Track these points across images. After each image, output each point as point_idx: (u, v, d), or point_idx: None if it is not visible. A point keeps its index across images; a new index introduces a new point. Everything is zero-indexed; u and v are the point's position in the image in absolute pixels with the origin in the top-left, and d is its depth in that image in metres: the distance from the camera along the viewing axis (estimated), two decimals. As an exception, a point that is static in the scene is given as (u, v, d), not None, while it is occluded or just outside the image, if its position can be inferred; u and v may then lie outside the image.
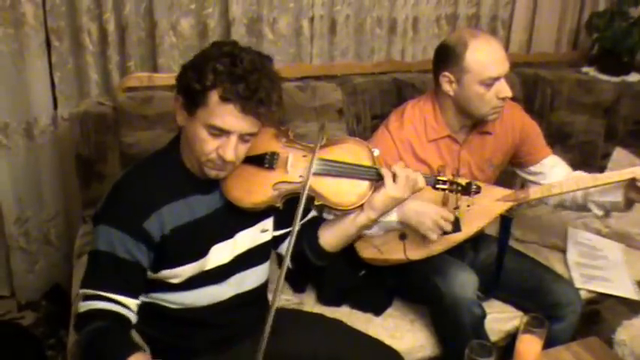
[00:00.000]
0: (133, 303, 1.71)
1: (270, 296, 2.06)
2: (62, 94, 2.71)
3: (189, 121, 1.64)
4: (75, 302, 2.09)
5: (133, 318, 1.72)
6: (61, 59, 2.65)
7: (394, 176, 1.79)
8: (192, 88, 1.58)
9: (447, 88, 2.19)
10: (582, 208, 2.37)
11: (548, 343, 1.94)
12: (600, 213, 2.33)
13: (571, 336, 2.24)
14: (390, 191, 1.79)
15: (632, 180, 2.13)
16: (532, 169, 2.43)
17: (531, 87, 3.10)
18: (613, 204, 2.26)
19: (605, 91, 3.15)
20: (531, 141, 2.41)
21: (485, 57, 2.12)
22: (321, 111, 2.64)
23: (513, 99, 2.29)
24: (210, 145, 1.62)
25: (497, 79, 2.13)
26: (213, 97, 1.57)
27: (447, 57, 2.18)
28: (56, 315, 2.92)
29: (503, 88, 2.15)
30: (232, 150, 1.62)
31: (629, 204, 2.23)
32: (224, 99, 1.56)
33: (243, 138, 1.63)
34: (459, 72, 2.15)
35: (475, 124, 2.30)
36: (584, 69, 3.37)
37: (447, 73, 2.18)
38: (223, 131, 1.60)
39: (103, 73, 2.71)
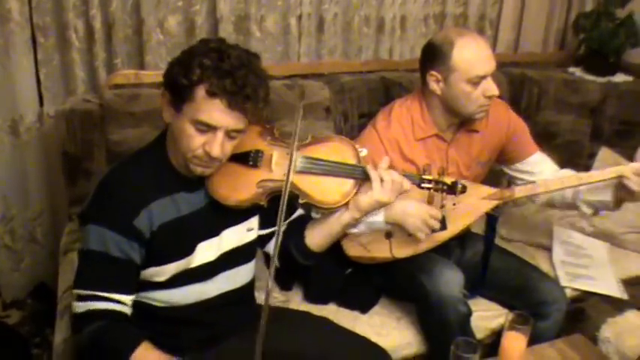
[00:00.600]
0: (128, 299, 1.72)
1: (257, 294, 2.07)
2: (48, 91, 2.69)
3: (176, 118, 1.64)
4: (61, 300, 2.09)
5: (130, 312, 1.73)
6: (46, 56, 2.63)
7: (381, 180, 1.80)
8: (178, 84, 1.59)
9: (434, 86, 2.20)
10: (571, 206, 2.39)
11: (534, 341, 1.95)
12: (589, 212, 2.34)
13: (556, 333, 2.25)
14: (376, 195, 1.80)
15: (620, 179, 2.15)
16: (519, 166, 2.44)
17: (518, 86, 3.11)
18: (603, 203, 2.27)
19: (592, 92, 3.17)
20: (518, 138, 2.42)
21: (472, 55, 2.13)
22: (309, 109, 2.64)
23: (500, 98, 2.30)
24: (196, 141, 1.62)
25: (484, 77, 2.14)
26: (200, 92, 1.57)
27: (433, 56, 2.18)
28: (42, 313, 2.90)
29: (490, 87, 2.16)
30: (218, 146, 1.62)
31: (618, 203, 2.24)
32: (211, 94, 1.57)
33: (229, 134, 1.63)
34: (446, 71, 2.16)
35: (462, 122, 2.31)
36: (571, 69, 3.38)
37: (434, 72, 2.19)
38: (210, 127, 1.60)
39: (90, 70, 2.70)
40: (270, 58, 2.95)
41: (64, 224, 2.59)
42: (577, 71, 3.35)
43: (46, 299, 2.90)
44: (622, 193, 2.19)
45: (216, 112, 1.58)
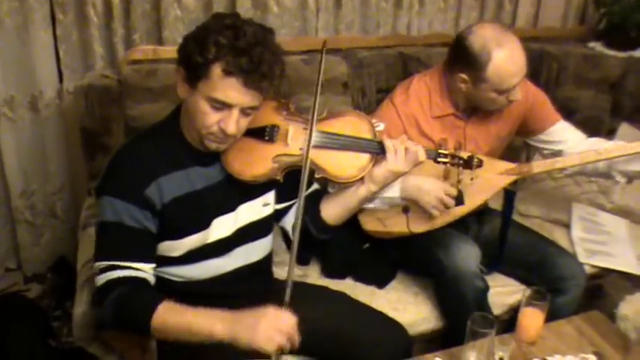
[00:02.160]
0: (148, 267, 1.73)
1: (275, 269, 2.08)
2: (67, 67, 2.70)
3: (191, 94, 1.64)
4: (80, 274, 2.11)
5: (152, 279, 1.74)
6: (65, 32, 2.64)
7: (395, 150, 1.79)
8: (194, 61, 1.58)
9: (461, 85, 2.18)
10: (605, 175, 2.37)
11: (551, 317, 1.95)
12: (623, 180, 2.33)
13: (574, 310, 2.24)
14: (391, 165, 1.80)
15: None
16: (542, 137, 2.41)
17: (537, 62, 3.07)
18: (637, 173, 2.26)
19: (612, 67, 3.12)
20: (539, 108, 2.39)
21: (507, 71, 2.09)
22: (326, 84, 2.62)
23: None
24: (211, 118, 1.62)
25: (513, 87, 2.13)
26: (216, 70, 1.56)
27: (467, 61, 2.12)
28: (62, 287, 2.93)
29: (515, 93, 2.15)
30: (234, 124, 1.62)
31: None
32: (227, 72, 1.56)
33: (244, 111, 1.63)
34: (477, 78, 2.12)
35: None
36: (591, 44, 3.33)
37: (464, 75, 2.15)
38: (225, 105, 1.60)
39: (108, 46, 2.70)
40: (288, 33, 2.93)
41: (83, 199, 2.61)
42: (597, 46, 3.30)
43: (65, 273, 2.93)
44: None
45: (232, 90, 1.57)
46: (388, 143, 1.80)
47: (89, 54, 2.68)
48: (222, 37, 1.56)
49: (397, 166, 1.80)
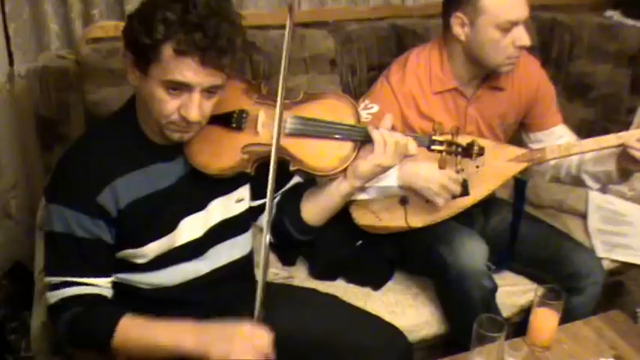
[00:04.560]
0: (104, 282, 1.71)
1: (256, 270, 2.06)
2: (18, 48, 2.66)
3: (143, 81, 1.59)
4: (38, 280, 2.10)
5: (109, 294, 1.73)
6: (16, 9, 2.59)
7: (385, 143, 1.76)
8: (141, 43, 1.53)
9: (459, 31, 2.17)
10: (577, 180, 2.38)
11: (567, 318, 1.97)
12: (595, 186, 2.35)
13: (592, 310, 2.25)
14: (378, 159, 1.77)
15: (623, 147, 2.12)
16: (539, 135, 2.43)
17: (548, 33, 3.08)
18: (606, 174, 2.26)
19: (631, 37, 3.12)
20: (545, 103, 2.40)
21: None
22: (311, 62, 2.62)
23: (529, 48, 2.27)
24: (170, 106, 1.58)
25: (515, 23, 2.11)
26: (167, 51, 1.52)
27: None
28: (18, 295, 2.90)
29: (522, 36, 2.13)
30: (196, 108, 1.57)
31: (623, 174, 2.22)
32: (179, 52, 1.51)
33: (207, 93, 1.59)
34: (474, 13, 2.12)
35: (486, 77, 2.29)
36: (608, 12, 3.33)
37: (459, 14, 2.15)
38: (183, 87, 1.55)
39: (64, 23, 2.66)
40: (267, 5, 2.91)
41: (39, 196, 2.58)
42: (615, 15, 3.30)
43: (22, 280, 2.90)
44: (624, 163, 2.16)
45: (187, 71, 1.53)
46: (377, 136, 1.76)
47: (43, 32, 2.65)
48: (170, 13, 1.51)
49: (386, 160, 1.77)
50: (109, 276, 1.73)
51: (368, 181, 1.85)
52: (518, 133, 2.50)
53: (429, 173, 2.07)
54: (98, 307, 1.68)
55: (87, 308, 1.65)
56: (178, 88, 1.55)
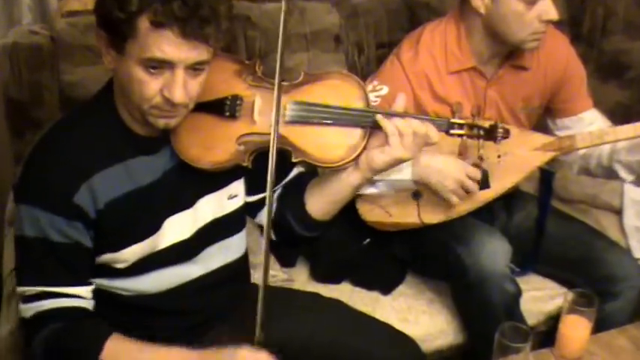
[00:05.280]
0: (84, 290, 1.69)
1: (252, 271, 2.07)
2: (-14, 22, 2.68)
3: (120, 61, 1.56)
4: (6, 283, 2.10)
5: (91, 305, 1.71)
6: (-17, -21, 2.61)
7: (402, 134, 1.73)
8: (115, 18, 1.51)
9: (478, 3, 2.16)
10: (609, 172, 2.38)
11: (600, 327, 1.95)
12: (630, 178, 2.34)
13: (628, 317, 2.25)
14: (395, 152, 1.73)
15: None
16: (567, 121, 2.43)
17: (578, 6, 3.06)
18: None
19: (673, 11, 3.12)
20: (574, 85, 2.40)
21: None
22: (313, 39, 2.63)
23: (557, 23, 2.25)
24: (151, 87, 1.55)
25: None
26: (143, 24, 1.49)
27: None
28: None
29: (548, 9, 2.12)
30: (180, 88, 1.55)
31: None
32: (157, 24, 1.48)
33: (192, 70, 1.57)
34: None
35: (508, 55, 2.28)
36: (646, -17, 3.33)
37: None
38: (165, 64, 1.53)
39: (37, -5, 2.68)
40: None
41: (8, 188, 2.57)
42: (654, -15, 3.29)
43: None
44: None
45: (167, 45, 1.50)
46: (390, 127, 1.72)
47: (14, 5, 2.65)
48: None
49: (403, 152, 1.73)
50: (90, 284, 1.71)
51: (380, 173, 1.83)
52: (543, 119, 2.49)
53: (444, 167, 2.07)
54: (80, 325, 1.66)
55: (67, 325, 1.64)
56: (159, 66, 1.53)
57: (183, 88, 1.55)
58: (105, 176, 1.64)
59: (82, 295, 1.68)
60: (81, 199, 1.62)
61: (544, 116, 2.48)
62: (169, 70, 1.53)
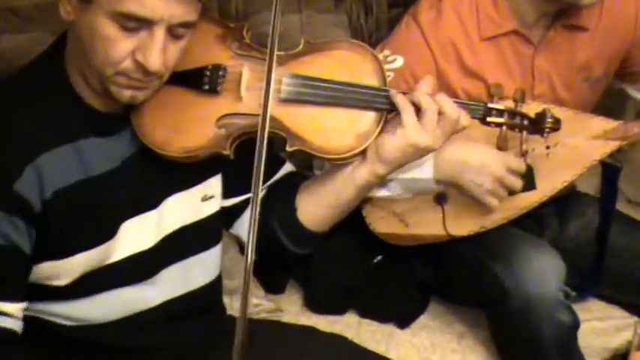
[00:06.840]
0: (15, 308, 1.66)
1: (226, 300, 2.07)
2: None
3: (84, 12, 1.55)
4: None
5: (19, 327, 1.68)
6: None
7: (418, 110, 1.71)
8: None
9: None
10: None
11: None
12: None
13: None
14: (411, 135, 1.70)
15: None
16: None
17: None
18: None
19: None
20: None
21: None
22: (307, -4, 2.65)
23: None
24: (122, 47, 1.54)
25: None
26: None
27: None
28: None
29: None
30: (158, 53, 1.54)
31: None
32: None
33: (174, 33, 1.56)
34: None
35: (559, 12, 2.26)
36: None
37: None
38: (143, 23, 1.52)
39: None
40: None
41: None
42: None
43: None
44: None
45: None
46: (403, 102, 1.71)
47: None
48: None
49: (421, 137, 1.70)
50: (22, 301, 1.69)
51: (396, 169, 1.80)
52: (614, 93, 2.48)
53: (478, 161, 2.05)
54: (6, 354, 1.65)
55: None
56: (135, 23, 1.52)
57: (162, 54, 1.54)
58: (53, 157, 1.62)
59: (10, 314, 1.65)
60: (24, 186, 1.59)
61: (620, 83, 2.50)
62: (146, 29, 1.53)
